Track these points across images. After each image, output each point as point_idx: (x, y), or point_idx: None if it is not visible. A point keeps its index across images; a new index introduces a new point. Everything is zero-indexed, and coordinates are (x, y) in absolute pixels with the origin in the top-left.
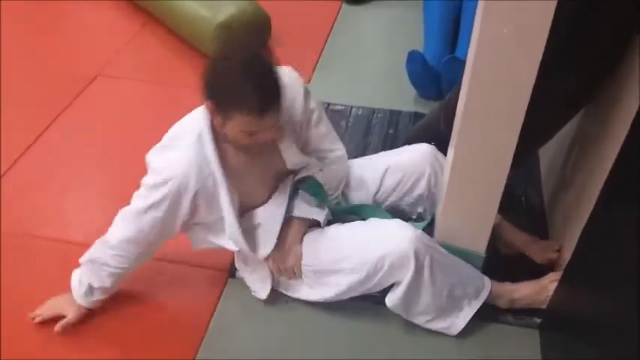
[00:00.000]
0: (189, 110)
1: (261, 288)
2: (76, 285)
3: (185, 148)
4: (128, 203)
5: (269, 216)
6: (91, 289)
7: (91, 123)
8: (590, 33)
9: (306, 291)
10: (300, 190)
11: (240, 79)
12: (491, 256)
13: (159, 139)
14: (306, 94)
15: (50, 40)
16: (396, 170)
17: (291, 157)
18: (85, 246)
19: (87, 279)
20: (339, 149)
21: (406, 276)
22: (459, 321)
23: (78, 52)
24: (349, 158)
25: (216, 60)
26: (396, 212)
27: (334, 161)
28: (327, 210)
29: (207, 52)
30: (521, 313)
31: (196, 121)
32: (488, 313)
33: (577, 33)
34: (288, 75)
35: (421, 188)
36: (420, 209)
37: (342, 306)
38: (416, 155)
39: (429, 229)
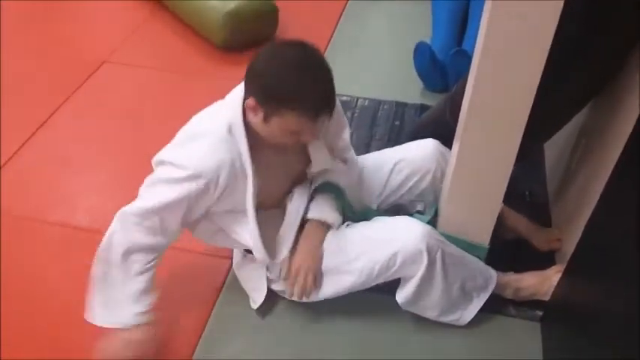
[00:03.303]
0: (196, 97)
1: (256, 296)
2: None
3: (216, 141)
4: (134, 189)
5: (287, 219)
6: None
7: (97, 109)
8: (600, 28)
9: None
10: (320, 193)
11: (299, 78)
12: (493, 244)
13: (165, 126)
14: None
15: (58, 27)
16: (402, 168)
17: (320, 159)
18: (90, 231)
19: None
20: (354, 157)
21: (418, 271)
22: (468, 313)
23: (85, 39)
24: (356, 152)
25: (268, 54)
26: (395, 208)
27: (351, 167)
28: (341, 216)
29: (214, 40)
30: (523, 306)
31: (225, 114)
32: (491, 305)
33: (586, 28)
34: None
35: (425, 184)
36: (419, 207)
37: (344, 296)
38: (424, 153)
39: (432, 221)
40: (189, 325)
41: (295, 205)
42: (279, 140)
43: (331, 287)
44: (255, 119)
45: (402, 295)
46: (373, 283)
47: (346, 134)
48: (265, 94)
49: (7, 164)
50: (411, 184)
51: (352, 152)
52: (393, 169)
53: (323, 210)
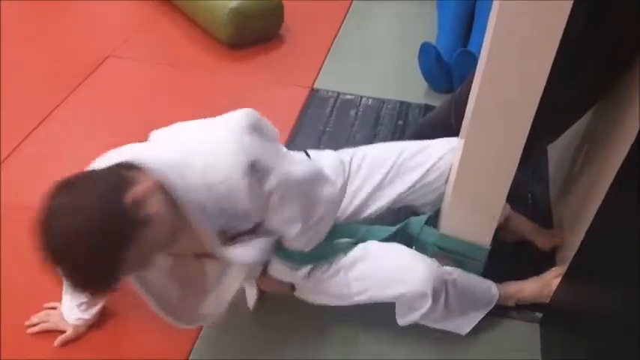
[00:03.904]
0: (200, 92)
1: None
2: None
3: None
4: None
5: (228, 279)
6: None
7: (101, 103)
8: (605, 32)
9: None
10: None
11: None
12: (493, 245)
13: (168, 120)
14: (251, 184)
15: (62, 21)
16: (433, 172)
17: (214, 249)
18: None
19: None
20: (308, 226)
21: (421, 309)
22: (468, 325)
23: (90, 33)
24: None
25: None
26: (400, 209)
27: (297, 237)
28: (304, 268)
29: (219, 36)
30: (522, 307)
31: None
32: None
33: (591, 31)
34: (221, 164)
35: (437, 184)
36: (427, 209)
37: None
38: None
39: (431, 220)
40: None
41: (233, 273)
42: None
43: (328, 303)
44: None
45: (403, 321)
46: None
47: (286, 211)
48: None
49: (10, 156)
50: (431, 187)
51: (300, 225)
52: (428, 173)
53: (278, 268)
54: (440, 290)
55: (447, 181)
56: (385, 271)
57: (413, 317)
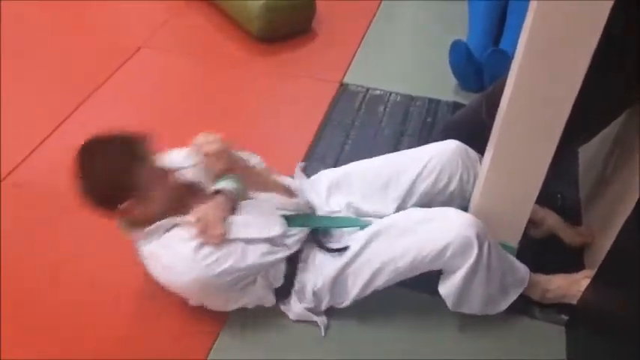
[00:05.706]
0: (231, 84)
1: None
2: None
3: None
4: None
5: None
6: None
7: (132, 93)
8: None
9: (354, 292)
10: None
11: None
12: (521, 244)
13: (198, 111)
14: None
15: (95, 12)
16: (428, 174)
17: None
18: None
19: None
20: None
21: (466, 263)
22: (502, 305)
23: (122, 24)
24: (386, 146)
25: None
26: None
27: None
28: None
29: (251, 29)
30: (548, 309)
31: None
32: (516, 306)
33: (628, 34)
34: None
35: (453, 186)
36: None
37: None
38: (447, 154)
39: None
40: (205, 327)
41: None
42: (168, 194)
43: (372, 284)
44: (141, 209)
45: (446, 287)
46: (412, 275)
47: None
48: (125, 186)
49: (42, 145)
50: (438, 187)
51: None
52: (417, 178)
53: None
54: (483, 238)
55: (466, 182)
56: (428, 223)
57: (455, 279)
